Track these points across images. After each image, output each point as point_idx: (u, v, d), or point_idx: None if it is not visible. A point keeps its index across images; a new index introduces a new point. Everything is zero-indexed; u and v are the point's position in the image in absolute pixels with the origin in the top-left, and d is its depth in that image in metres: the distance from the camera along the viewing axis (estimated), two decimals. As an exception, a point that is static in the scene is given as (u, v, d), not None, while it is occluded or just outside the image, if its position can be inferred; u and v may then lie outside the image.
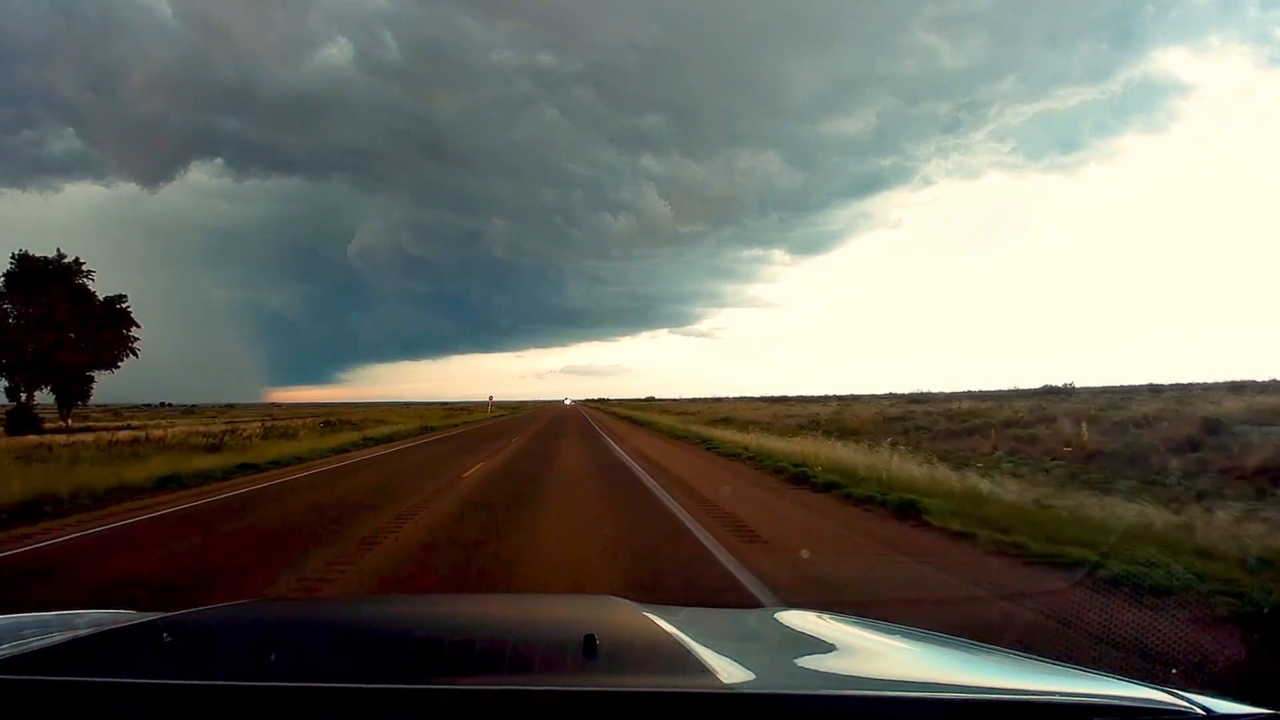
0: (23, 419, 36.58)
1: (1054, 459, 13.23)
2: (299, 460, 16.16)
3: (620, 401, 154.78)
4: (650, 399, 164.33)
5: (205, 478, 12.19)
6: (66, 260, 40.07)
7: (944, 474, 9.36)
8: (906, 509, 7.71)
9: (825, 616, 1.85)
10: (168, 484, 11.14)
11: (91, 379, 42.04)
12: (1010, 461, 12.98)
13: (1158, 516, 6.28)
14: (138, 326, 42.26)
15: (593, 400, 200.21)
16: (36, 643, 1.38)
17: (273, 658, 1.27)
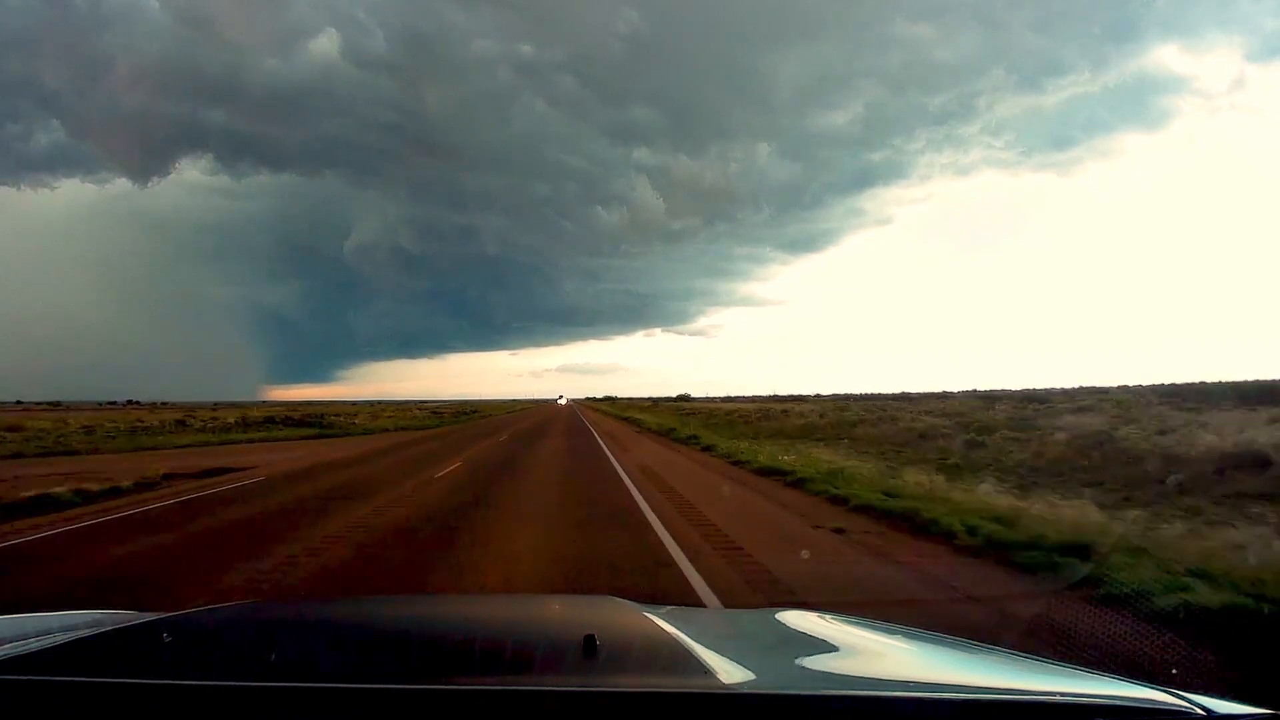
0: None
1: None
2: None
3: (632, 402, 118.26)
4: (684, 397, 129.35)
5: None
6: None
7: None
8: None
9: (826, 617, 1.85)
10: None
11: None
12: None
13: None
14: None
15: (595, 399, 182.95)
16: (36, 643, 1.38)
17: (273, 658, 1.27)
